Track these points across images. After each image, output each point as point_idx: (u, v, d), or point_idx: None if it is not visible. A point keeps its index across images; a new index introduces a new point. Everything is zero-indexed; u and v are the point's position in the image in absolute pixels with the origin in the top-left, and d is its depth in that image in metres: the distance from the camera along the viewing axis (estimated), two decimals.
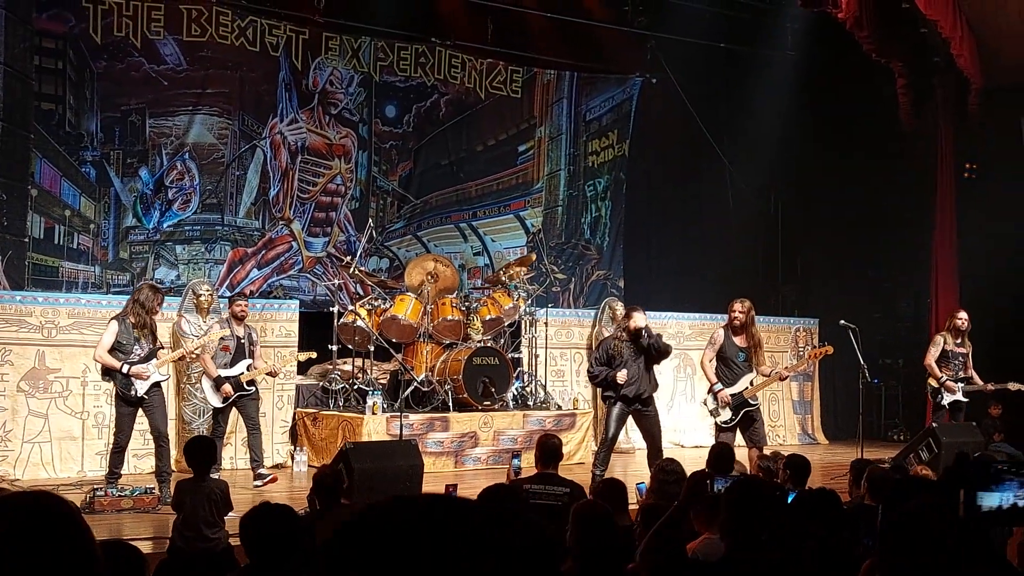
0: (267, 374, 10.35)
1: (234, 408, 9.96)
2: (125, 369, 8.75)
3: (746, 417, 9.74)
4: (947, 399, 11.48)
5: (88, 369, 10.42)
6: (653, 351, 9.47)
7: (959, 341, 11.64)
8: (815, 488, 6.31)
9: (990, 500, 3.57)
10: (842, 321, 11.52)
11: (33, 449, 10.18)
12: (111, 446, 9.19)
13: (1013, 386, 11.62)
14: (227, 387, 9.73)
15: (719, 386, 9.78)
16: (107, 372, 9.06)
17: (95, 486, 8.66)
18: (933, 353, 11.52)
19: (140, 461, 10.54)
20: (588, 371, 10.31)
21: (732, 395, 9.73)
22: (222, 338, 9.85)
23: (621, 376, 9.29)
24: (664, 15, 14.27)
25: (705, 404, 10.14)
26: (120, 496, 8.44)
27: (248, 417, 10.02)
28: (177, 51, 12.42)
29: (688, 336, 14.22)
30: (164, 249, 12.49)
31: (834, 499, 4.50)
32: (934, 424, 11.12)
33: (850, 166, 15.23)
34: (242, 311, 10.00)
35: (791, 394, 14.77)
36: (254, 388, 10.06)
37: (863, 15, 12.53)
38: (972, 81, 13.56)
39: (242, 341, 9.92)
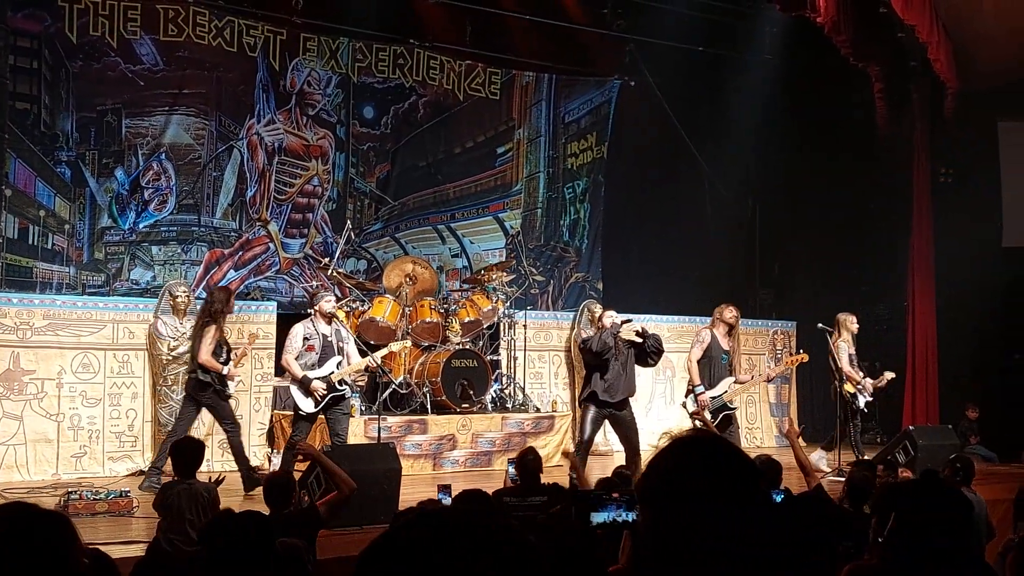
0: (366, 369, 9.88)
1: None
2: (315, 384, 9.15)
3: (724, 420, 9.84)
4: (862, 402, 11.52)
5: (63, 371, 10.35)
6: (651, 351, 9.52)
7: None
8: (806, 491, 6.34)
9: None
10: (819, 324, 11.57)
11: (7, 452, 10.06)
12: (168, 439, 9.05)
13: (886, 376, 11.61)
14: (317, 383, 9.19)
15: (700, 388, 9.88)
16: (206, 371, 9.31)
17: (69, 489, 8.57)
18: (847, 360, 11.49)
19: (115, 464, 10.48)
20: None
21: (712, 398, 9.80)
22: (305, 338, 9.36)
23: (599, 383, 9.38)
24: (643, 18, 14.30)
25: (684, 406, 10.16)
26: (95, 499, 8.36)
27: (336, 435, 9.35)
28: (154, 51, 12.34)
29: (667, 338, 14.13)
30: (140, 250, 12.40)
31: (819, 502, 4.51)
32: (911, 427, 11.18)
33: (827, 170, 15.28)
34: (332, 307, 9.47)
35: (768, 396, 14.80)
36: (347, 388, 9.54)
37: (841, 19, 12.58)
38: (949, 85, 13.63)
39: (329, 339, 9.45)
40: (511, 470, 7.38)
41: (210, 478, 6.82)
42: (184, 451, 6.51)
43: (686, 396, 10.16)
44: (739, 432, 10.30)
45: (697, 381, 9.93)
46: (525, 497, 6.31)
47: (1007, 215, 14.25)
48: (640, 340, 9.50)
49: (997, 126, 14.41)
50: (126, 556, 6.24)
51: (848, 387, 11.36)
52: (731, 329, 10.15)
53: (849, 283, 15.73)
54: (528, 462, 6.65)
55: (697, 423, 9.79)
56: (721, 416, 9.87)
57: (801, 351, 11.16)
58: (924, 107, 14.37)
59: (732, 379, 10.06)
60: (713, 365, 10.00)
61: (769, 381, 11.25)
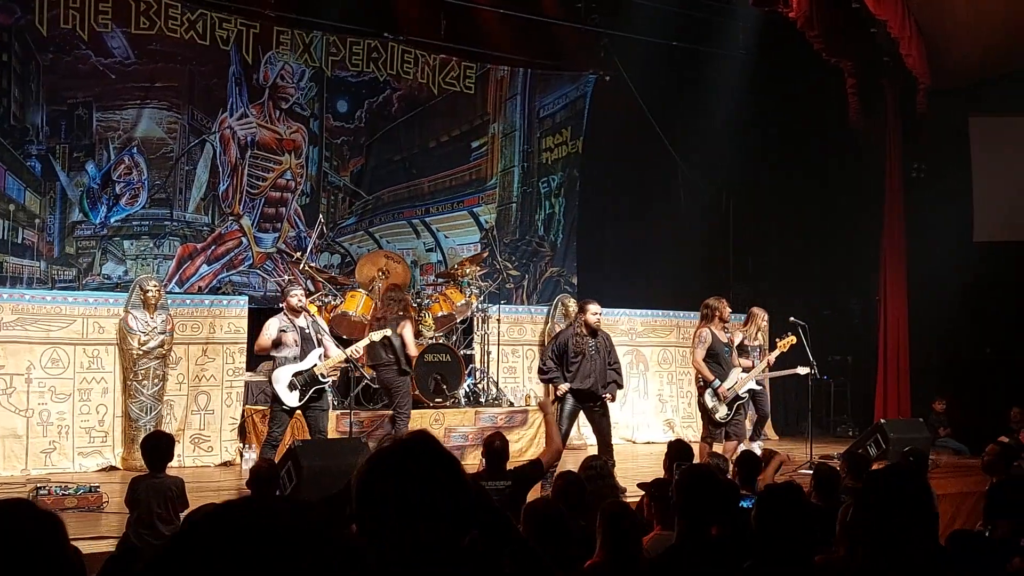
0: (342, 363, 9.71)
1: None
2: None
3: (737, 411, 10.16)
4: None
5: (32, 366, 10.28)
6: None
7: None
8: (782, 482, 6.37)
9: None
10: (792, 318, 11.62)
11: None
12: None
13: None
14: (293, 363, 9.10)
15: (717, 383, 10.01)
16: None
17: (39, 485, 8.52)
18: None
19: (85, 459, 10.42)
20: (540, 367, 10.29)
21: (728, 389, 10.04)
22: (281, 330, 9.18)
23: (563, 388, 9.42)
24: (618, 13, 14.29)
25: (703, 403, 10.17)
26: (64, 495, 8.31)
27: (318, 431, 9.30)
28: (125, 44, 12.26)
29: (640, 332, 14.28)
30: (111, 244, 12.33)
31: (798, 493, 4.53)
32: (883, 420, 11.25)
33: (800, 165, 15.34)
34: (299, 302, 9.31)
35: None
36: (329, 380, 9.45)
37: (813, 14, 12.62)
38: (920, 81, 13.68)
39: (306, 332, 9.29)
40: None
41: None
42: (155, 445, 6.47)
43: (701, 394, 10.17)
44: (745, 422, 10.51)
45: (711, 377, 10.02)
46: (488, 481, 6.31)
47: (978, 210, 14.33)
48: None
49: (969, 121, 14.48)
50: (96, 552, 6.21)
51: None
52: (725, 322, 10.37)
53: (821, 278, 15.81)
54: (494, 448, 6.66)
55: (716, 417, 9.94)
56: (736, 406, 10.11)
57: (789, 334, 11.20)
58: (896, 102, 14.43)
59: (739, 369, 10.31)
60: (720, 360, 10.16)
61: (771, 367, 11.41)
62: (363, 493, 2.10)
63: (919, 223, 14.33)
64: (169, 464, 6.55)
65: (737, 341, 11.18)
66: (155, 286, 10.82)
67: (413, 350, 10.31)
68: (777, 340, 11.17)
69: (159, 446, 6.47)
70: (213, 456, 11.12)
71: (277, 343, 9.18)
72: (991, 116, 14.37)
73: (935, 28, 13.48)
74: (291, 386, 9.06)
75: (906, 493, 4.11)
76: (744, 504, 4.93)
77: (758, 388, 11.67)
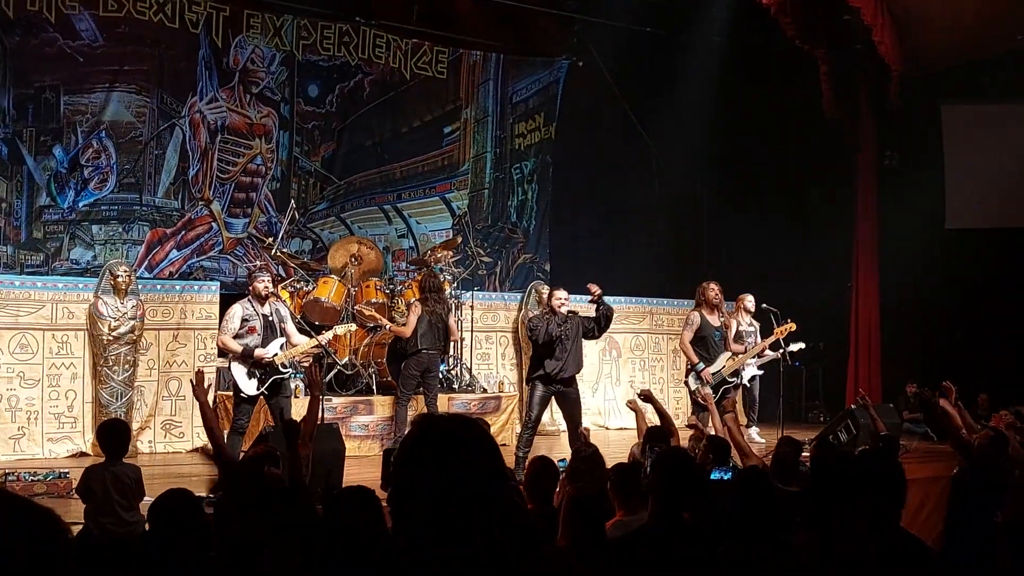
0: (313, 349, 9.51)
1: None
2: (258, 351, 8.99)
3: (724, 394, 10.21)
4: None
5: (0, 351, 10.15)
6: (601, 320, 9.52)
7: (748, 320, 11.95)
8: (747, 466, 6.39)
9: None
10: (763, 305, 11.65)
11: None
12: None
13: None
14: (260, 351, 8.84)
15: (701, 365, 10.20)
16: None
17: (7, 471, 8.43)
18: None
19: (55, 445, 10.30)
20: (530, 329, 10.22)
21: (713, 373, 10.16)
22: (244, 319, 8.97)
23: (549, 363, 9.39)
24: None
25: (687, 385, 10.47)
26: (33, 481, 8.22)
27: (281, 419, 9.16)
28: (93, 27, 12.11)
29: (614, 319, 14.24)
30: (80, 229, 12.20)
31: (765, 478, 4.54)
32: (853, 406, 11.27)
33: (774, 151, 15.34)
34: (265, 288, 9.05)
35: None
36: (289, 371, 9.28)
37: (786, 1, 12.62)
38: (893, 68, 13.71)
39: (270, 319, 9.07)
40: None
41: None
42: (108, 434, 6.34)
43: (687, 376, 10.45)
44: (735, 406, 10.59)
45: (695, 360, 10.23)
46: None
47: (950, 197, 14.39)
48: (595, 312, 9.47)
49: (941, 109, 14.54)
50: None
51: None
52: (717, 307, 10.46)
53: (794, 264, 15.84)
54: None
55: (699, 400, 9.95)
56: (721, 390, 10.18)
57: (788, 320, 11.22)
58: (869, 90, 14.46)
59: (728, 354, 10.41)
60: (707, 344, 10.29)
61: (762, 353, 11.44)
62: (407, 460, 2.22)
63: (891, 210, 14.39)
64: (135, 451, 6.50)
65: (735, 328, 11.28)
66: (125, 271, 10.69)
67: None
68: (775, 328, 11.20)
69: (116, 434, 6.33)
70: (184, 442, 11.03)
71: (238, 336, 9.05)
72: (963, 104, 14.43)
73: (908, 16, 13.51)
74: (250, 375, 8.91)
75: (877, 477, 4.15)
76: (718, 476, 4.94)
77: (759, 373, 11.78)
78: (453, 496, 2.11)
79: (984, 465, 6.47)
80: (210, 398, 11.06)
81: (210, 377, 11.22)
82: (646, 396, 8.13)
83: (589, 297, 9.49)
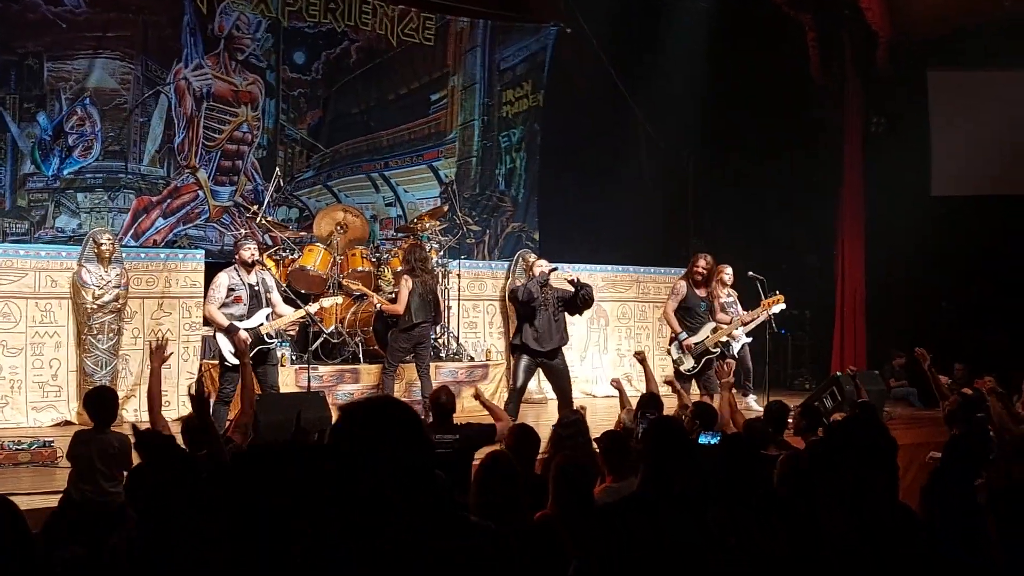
0: (300, 319, 9.50)
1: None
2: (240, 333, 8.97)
3: (706, 365, 10.28)
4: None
5: None
6: (580, 302, 9.56)
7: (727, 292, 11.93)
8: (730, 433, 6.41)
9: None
10: (750, 273, 11.66)
11: None
12: None
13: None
14: (242, 333, 8.88)
15: (684, 335, 10.33)
16: None
17: None
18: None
19: (40, 414, 10.29)
20: (511, 292, 10.29)
21: (695, 343, 10.29)
22: (230, 288, 8.99)
23: (530, 333, 9.41)
24: None
25: (669, 353, 10.59)
26: (17, 450, 8.21)
27: (269, 386, 9.12)
28: None
29: (601, 288, 14.21)
30: (65, 197, 12.13)
31: (748, 444, 4.57)
32: (839, 373, 11.33)
33: (761, 119, 15.31)
34: (251, 256, 9.08)
35: None
36: (275, 340, 9.30)
37: None
38: (880, 34, 13.69)
39: (256, 288, 9.10)
40: None
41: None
42: (96, 401, 6.34)
43: (670, 344, 10.56)
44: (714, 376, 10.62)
45: (679, 330, 10.36)
46: (435, 435, 6.31)
47: (936, 165, 14.39)
48: (572, 288, 9.52)
49: (928, 76, 14.51)
50: (50, 506, 6.14)
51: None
52: (705, 279, 10.53)
53: (780, 231, 15.85)
54: (440, 402, 6.69)
55: (681, 369, 10.30)
56: (704, 361, 10.26)
57: (777, 292, 11.25)
58: (856, 57, 14.43)
59: (712, 325, 10.50)
60: (692, 314, 10.40)
61: (744, 326, 11.47)
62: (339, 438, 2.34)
63: (878, 177, 14.41)
64: (120, 420, 6.46)
65: (722, 299, 11.31)
66: (109, 239, 10.62)
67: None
68: (763, 298, 11.22)
69: (103, 402, 6.33)
70: (170, 411, 10.92)
71: (224, 305, 9.06)
72: (950, 70, 14.41)
73: None
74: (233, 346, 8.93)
75: (866, 444, 4.17)
76: (706, 440, 4.96)
77: (748, 340, 11.81)
78: (381, 479, 2.17)
79: (959, 429, 6.51)
80: (195, 367, 11.14)
81: (195, 345, 11.27)
82: (640, 358, 8.30)
83: (570, 276, 9.50)
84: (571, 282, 9.53)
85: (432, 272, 11.02)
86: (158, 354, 6.48)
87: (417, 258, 10.69)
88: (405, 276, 10.55)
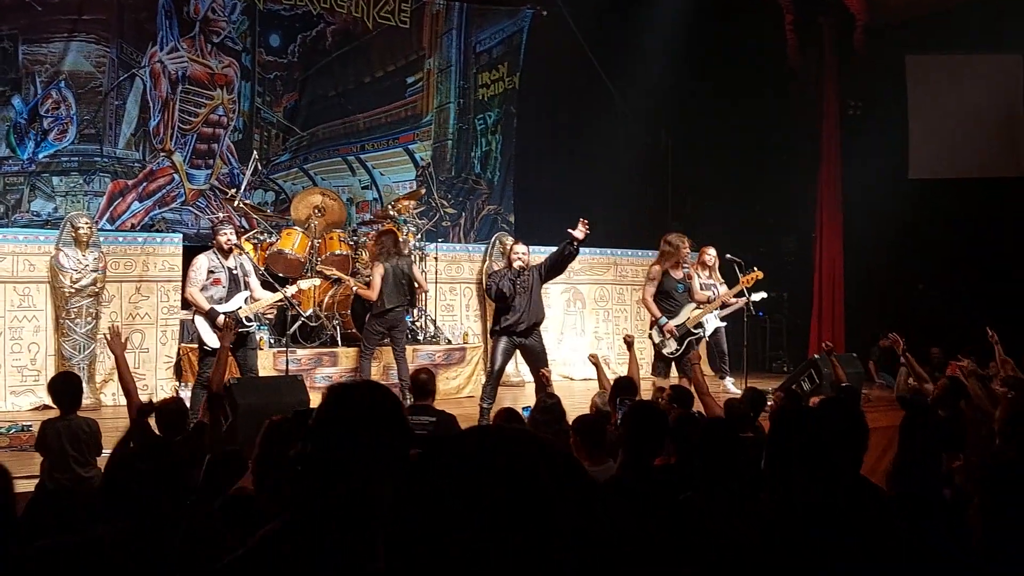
0: (278, 302, 9.57)
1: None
2: (221, 318, 8.92)
3: (688, 347, 10.20)
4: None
5: None
6: (565, 260, 9.52)
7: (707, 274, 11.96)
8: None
9: None
10: (728, 255, 11.69)
11: None
12: None
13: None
14: (222, 318, 8.81)
15: (664, 320, 10.18)
16: None
17: None
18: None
19: (18, 398, 10.24)
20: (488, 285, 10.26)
21: (676, 326, 10.16)
22: (210, 271, 8.98)
23: (508, 315, 9.42)
24: None
25: (651, 338, 10.44)
26: None
27: (249, 369, 9.13)
28: None
29: (578, 271, 14.25)
30: (40, 181, 12.05)
31: (727, 428, 4.60)
32: (816, 356, 11.39)
33: (738, 102, 15.34)
34: (228, 242, 9.05)
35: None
36: (254, 324, 9.32)
37: None
38: (858, 18, 13.73)
39: (234, 272, 9.10)
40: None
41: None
42: (60, 387, 6.28)
43: (651, 328, 10.42)
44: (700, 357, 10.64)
45: (658, 314, 10.21)
46: (413, 416, 6.32)
47: (914, 148, 14.47)
48: (572, 245, 9.36)
49: (905, 59, 14.57)
50: (28, 491, 6.10)
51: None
52: (680, 260, 10.37)
53: (758, 215, 15.91)
54: (420, 380, 6.71)
55: (664, 352, 10.19)
56: (686, 342, 10.21)
57: (755, 268, 11.26)
58: (833, 39, 14.47)
59: (692, 305, 10.42)
60: (670, 297, 10.28)
61: (724, 307, 11.50)
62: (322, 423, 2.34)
63: (855, 160, 14.46)
64: (98, 404, 6.45)
65: (701, 280, 11.31)
66: (86, 223, 10.58)
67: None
68: (741, 277, 11.24)
69: (67, 388, 6.24)
70: (148, 395, 10.98)
71: (203, 288, 9.04)
72: (927, 54, 14.47)
73: None
74: (214, 327, 8.93)
75: (839, 425, 4.20)
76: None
77: (722, 324, 11.82)
78: (363, 464, 2.19)
79: (945, 413, 6.57)
80: (173, 351, 11.11)
81: (173, 328, 11.24)
82: (629, 343, 8.31)
83: (573, 235, 9.30)
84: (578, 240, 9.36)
85: (404, 255, 11.03)
86: (116, 343, 6.42)
87: (387, 244, 10.73)
88: (376, 262, 10.61)
